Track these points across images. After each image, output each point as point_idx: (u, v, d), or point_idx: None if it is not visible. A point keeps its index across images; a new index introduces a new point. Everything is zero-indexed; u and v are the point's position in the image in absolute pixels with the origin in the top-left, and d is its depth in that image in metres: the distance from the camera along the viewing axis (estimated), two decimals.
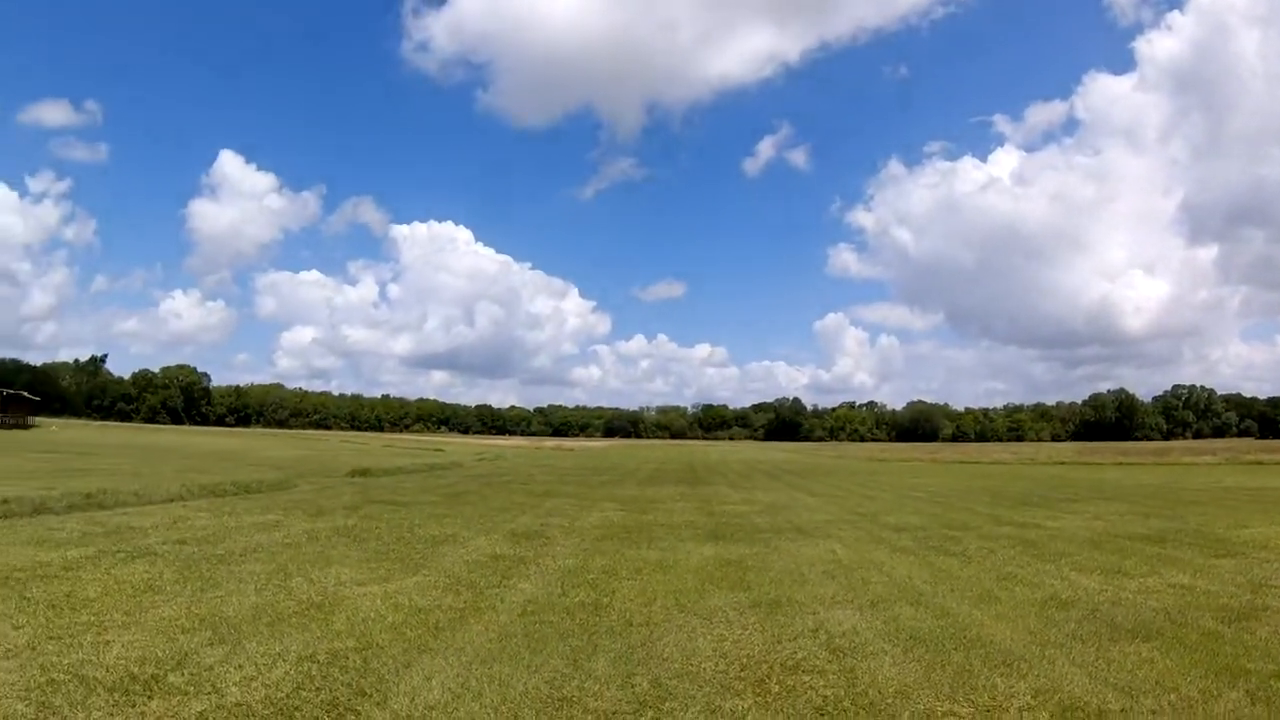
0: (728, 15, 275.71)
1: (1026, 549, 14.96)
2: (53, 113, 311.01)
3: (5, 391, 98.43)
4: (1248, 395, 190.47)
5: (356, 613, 8.91)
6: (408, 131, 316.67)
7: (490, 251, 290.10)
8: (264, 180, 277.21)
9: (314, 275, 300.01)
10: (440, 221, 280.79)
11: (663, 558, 13.36)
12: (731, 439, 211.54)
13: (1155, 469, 55.39)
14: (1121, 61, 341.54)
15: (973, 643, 8.09)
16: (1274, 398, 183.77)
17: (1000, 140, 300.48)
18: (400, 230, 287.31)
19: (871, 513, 22.12)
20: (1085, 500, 27.07)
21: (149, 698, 6.08)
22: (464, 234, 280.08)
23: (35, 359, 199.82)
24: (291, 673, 6.77)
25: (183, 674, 6.62)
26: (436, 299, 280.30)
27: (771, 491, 30.53)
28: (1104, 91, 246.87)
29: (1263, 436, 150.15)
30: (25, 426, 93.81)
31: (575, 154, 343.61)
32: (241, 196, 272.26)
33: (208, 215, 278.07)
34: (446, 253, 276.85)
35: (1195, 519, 20.52)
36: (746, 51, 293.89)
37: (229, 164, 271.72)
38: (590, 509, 21.73)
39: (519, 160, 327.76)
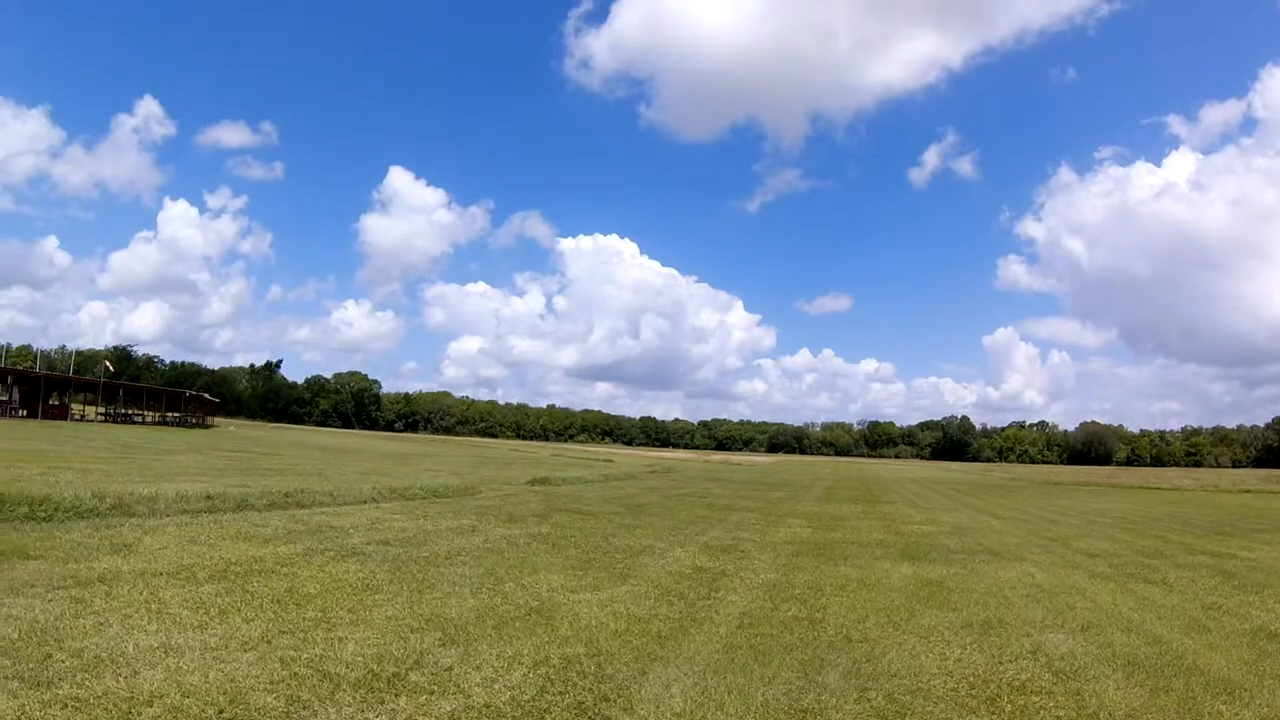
0: (887, 21, 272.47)
1: (1226, 579, 14.43)
2: (231, 134, 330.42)
3: (187, 392, 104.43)
4: None
5: (578, 619, 8.82)
6: (573, 147, 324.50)
7: (656, 264, 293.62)
8: (434, 195, 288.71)
9: (481, 287, 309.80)
10: (605, 235, 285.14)
11: (863, 575, 13.20)
12: (898, 457, 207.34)
13: None
14: None
15: (1190, 670, 7.92)
16: None
17: (1175, 143, 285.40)
18: (566, 244, 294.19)
19: (1061, 537, 21.28)
20: (1278, 531, 25.55)
21: (396, 695, 6.04)
22: (629, 247, 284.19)
23: (213, 364, 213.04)
24: (531, 676, 6.69)
25: (422, 673, 6.56)
26: (602, 311, 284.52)
27: (953, 512, 29.58)
28: None
29: None
30: (205, 426, 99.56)
31: (739, 166, 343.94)
32: (412, 211, 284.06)
33: (379, 229, 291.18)
34: (612, 265, 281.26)
35: None
36: (908, 58, 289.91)
37: (399, 180, 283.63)
38: (776, 525, 21.33)
39: (683, 173, 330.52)
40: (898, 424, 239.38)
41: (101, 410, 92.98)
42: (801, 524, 21.77)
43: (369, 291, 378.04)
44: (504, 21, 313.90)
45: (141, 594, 8.44)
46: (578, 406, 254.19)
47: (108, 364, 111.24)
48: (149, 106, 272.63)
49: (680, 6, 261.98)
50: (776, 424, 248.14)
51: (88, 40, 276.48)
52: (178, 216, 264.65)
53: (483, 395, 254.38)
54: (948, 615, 10.27)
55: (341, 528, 14.74)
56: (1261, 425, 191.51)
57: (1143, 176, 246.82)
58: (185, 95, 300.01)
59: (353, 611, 8.37)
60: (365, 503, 19.46)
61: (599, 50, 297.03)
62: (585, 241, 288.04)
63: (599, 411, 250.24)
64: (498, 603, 9.36)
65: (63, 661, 6.24)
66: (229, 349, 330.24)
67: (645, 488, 35.19)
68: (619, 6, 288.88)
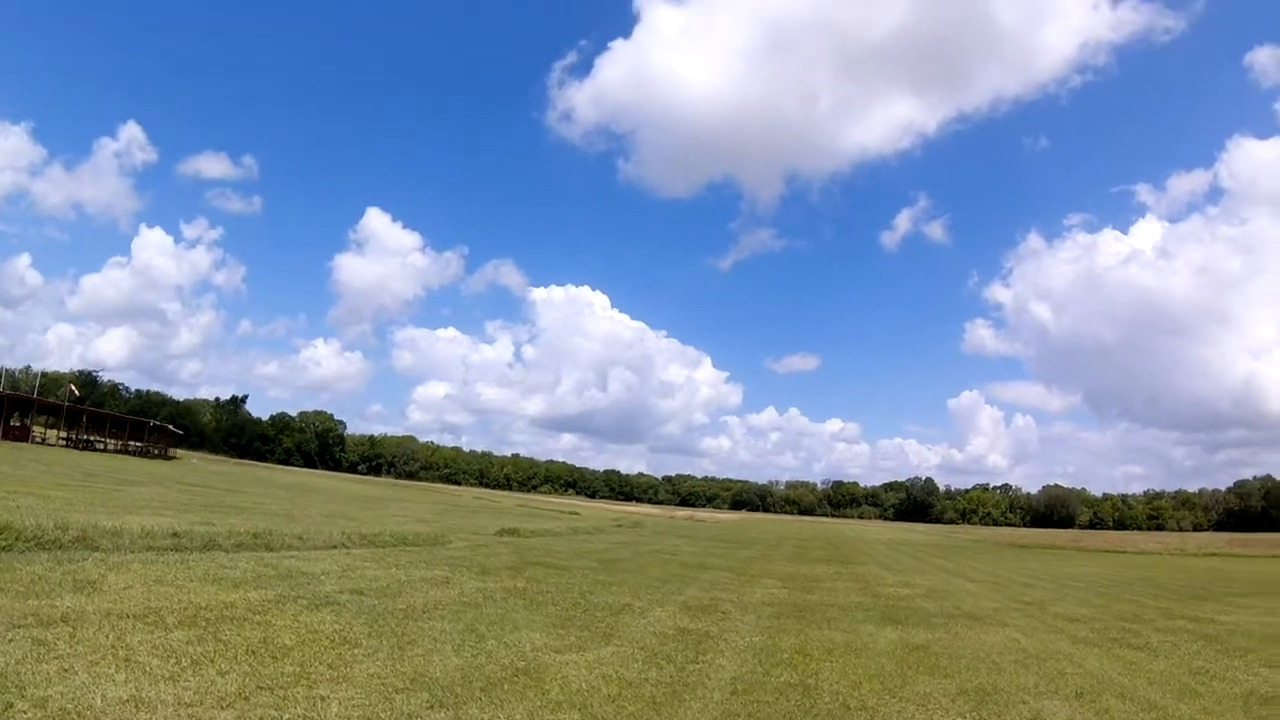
0: (866, 86, 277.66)
1: (1209, 644, 14.54)
2: (212, 165, 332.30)
3: (151, 422, 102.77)
4: None
5: (568, 682, 8.46)
6: (550, 198, 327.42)
7: (626, 318, 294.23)
8: (409, 239, 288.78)
9: (451, 333, 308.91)
10: (578, 286, 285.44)
11: (849, 639, 13.01)
12: (861, 517, 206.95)
13: None
14: (1266, 124, 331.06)
15: None
16: None
17: (1142, 211, 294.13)
18: (538, 293, 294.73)
19: (1037, 601, 21.25)
20: (1252, 595, 25.86)
21: None
22: (601, 299, 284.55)
23: (178, 394, 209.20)
24: None
25: None
26: (571, 362, 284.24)
27: (926, 575, 29.45)
28: (1249, 157, 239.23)
29: None
30: (167, 457, 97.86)
31: (715, 224, 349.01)
32: (386, 253, 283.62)
33: (353, 269, 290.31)
34: (583, 317, 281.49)
35: None
36: (885, 122, 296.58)
37: (376, 221, 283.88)
38: (752, 585, 20.99)
39: (658, 229, 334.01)
40: (861, 484, 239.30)
41: (63, 435, 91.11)
42: (777, 585, 21.44)
43: (339, 331, 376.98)
44: (489, 70, 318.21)
45: (108, 638, 7.94)
46: (542, 457, 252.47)
47: (73, 387, 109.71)
48: (132, 131, 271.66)
49: (664, 64, 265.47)
50: (740, 481, 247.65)
51: (76, 60, 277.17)
52: (153, 244, 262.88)
53: (447, 441, 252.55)
54: (941, 682, 10.13)
55: (312, 574, 14.20)
56: (1223, 489, 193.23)
57: (1110, 244, 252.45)
58: (169, 123, 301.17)
59: (332, 667, 7.92)
60: (335, 548, 18.90)
61: (581, 103, 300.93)
62: (557, 292, 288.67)
63: (563, 463, 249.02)
64: (482, 661, 8.94)
65: (25, 713, 5.78)
66: (195, 381, 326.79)
67: (615, 543, 34.66)
68: (603, 60, 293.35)
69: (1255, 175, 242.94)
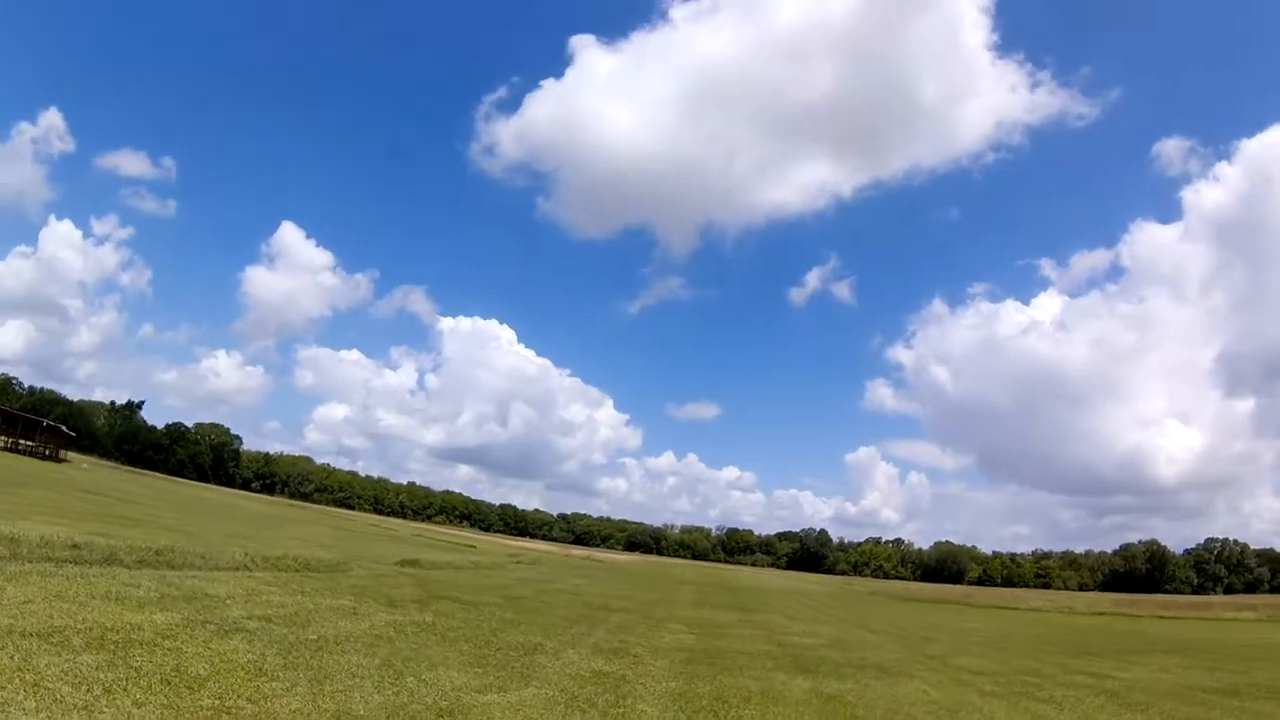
0: (787, 145, 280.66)
1: (1110, 699, 14.95)
2: (130, 162, 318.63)
3: (45, 421, 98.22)
4: None
5: None
6: (466, 229, 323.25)
7: (531, 354, 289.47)
8: (321, 257, 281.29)
9: (355, 355, 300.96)
10: (486, 319, 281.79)
11: (764, 688, 13.00)
12: (754, 565, 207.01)
13: (1199, 623, 53.51)
14: (1169, 211, 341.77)
15: None
16: None
17: (1045, 285, 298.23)
18: (446, 322, 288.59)
19: (939, 655, 21.50)
20: (1143, 652, 26.71)
21: None
22: (507, 333, 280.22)
23: (72, 394, 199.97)
24: None
25: None
26: (473, 394, 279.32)
27: (828, 625, 29.71)
28: (1150, 240, 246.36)
29: None
30: (58, 459, 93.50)
31: (627, 269, 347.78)
32: (298, 269, 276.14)
33: (262, 283, 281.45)
34: (488, 350, 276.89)
35: (1260, 674, 20.44)
36: (802, 182, 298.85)
37: (289, 236, 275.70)
38: (659, 629, 20.82)
39: (571, 269, 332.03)
40: (756, 532, 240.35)
41: None
42: (684, 630, 21.32)
43: (242, 344, 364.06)
44: (419, 97, 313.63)
45: (13, 659, 7.42)
46: (438, 487, 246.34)
47: None
48: (53, 119, 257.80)
49: (592, 107, 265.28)
50: (636, 523, 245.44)
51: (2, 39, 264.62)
52: (61, 236, 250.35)
53: (343, 464, 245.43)
54: None
55: (217, 596, 13.60)
56: (1109, 551, 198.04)
57: (1011, 313, 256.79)
58: (92, 115, 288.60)
59: (252, 701, 7.52)
60: (238, 569, 18.18)
61: (506, 138, 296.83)
62: (464, 322, 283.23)
63: (459, 494, 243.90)
64: (404, 700, 8.62)
65: None
66: (90, 382, 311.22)
67: (517, 579, 34.12)
68: (532, 98, 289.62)
69: (1155, 257, 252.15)
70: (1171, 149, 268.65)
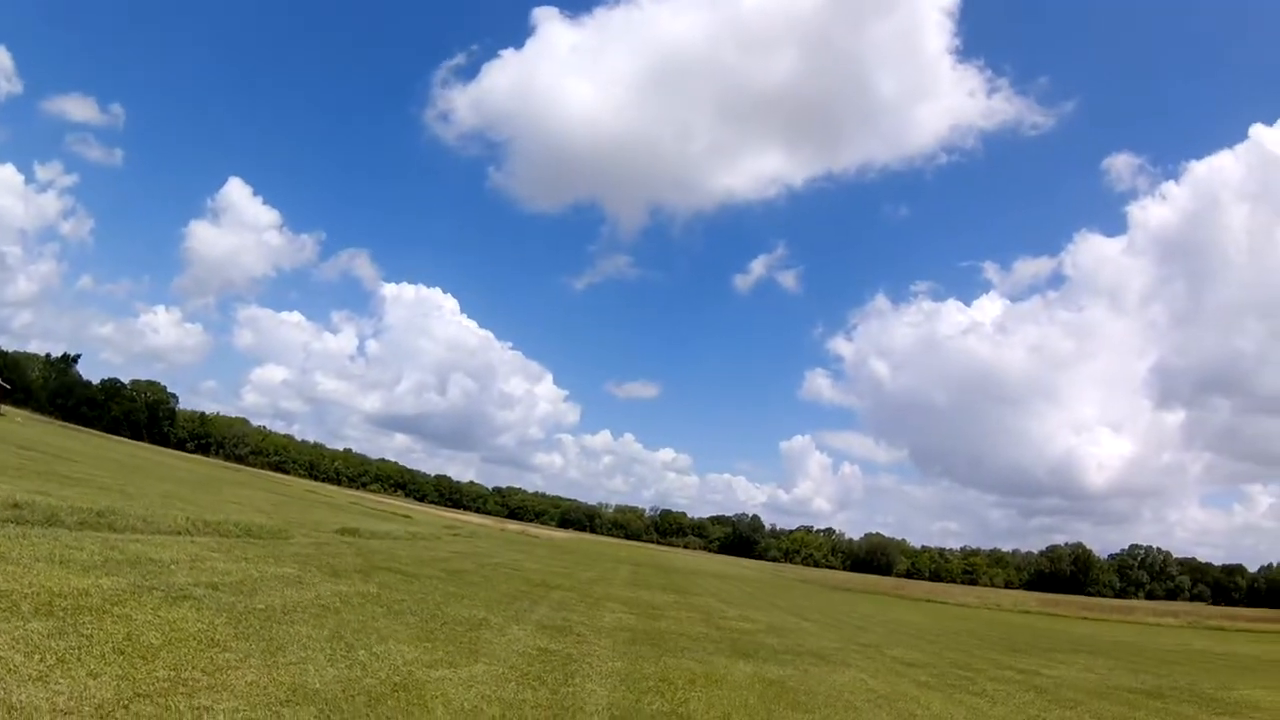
0: (742, 133, 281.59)
1: (1040, 695, 15.31)
2: (77, 107, 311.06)
3: None
4: (1202, 560, 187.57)
5: (449, 701, 8.24)
6: (415, 195, 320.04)
7: (473, 324, 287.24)
8: (267, 215, 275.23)
9: (296, 317, 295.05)
10: (429, 287, 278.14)
11: (707, 670, 13.11)
12: (687, 547, 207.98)
13: (1122, 626, 55.10)
14: (1114, 224, 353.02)
15: None
16: (1228, 565, 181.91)
17: (987, 287, 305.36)
18: (389, 288, 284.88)
19: (874, 644, 21.94)
20: (1069, 651, 27.34)
21: None
22: (450, 302, 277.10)
23: (6, 345, 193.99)
24: None
25: None
26: (413, 362, 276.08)
27: (763, 611, 30.02)
28: (1093, 251, 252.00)
29: (1215, 603, 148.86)
30: None
31: (575, 244, 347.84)
32: (243, 227, 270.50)
33: (206, 239, 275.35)
34: (430, 318, 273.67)
35: (1182, 678, 20.93)
36: (754, 170, 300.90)
37: (236, 192, 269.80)
38: (598, 608, 20.89)
39: (519, 241, 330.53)
40: (689, 515, 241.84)
41: None
42: (623, 610, 21.39)
43: (182, 300, 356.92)
44: (375, 59, 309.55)
45: None
46: (374, 455, 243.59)
47: None
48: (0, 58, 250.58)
49: (550, 81, 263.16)
50: (570, 500, 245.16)
51: None
52: (2, 181, 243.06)
53: (279, 427, 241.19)
54: (804, 717, 10.47)
55: (161, 561, 13.37)
56: (1035, 552, 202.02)
57: (952, 313, 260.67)
58: (41, 56, 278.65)
59: (207, 673, 7.40)
60: (180, 534, 17.89)
61: (462, 106, 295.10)
62: (408, 289, 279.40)
63: (395, 463, 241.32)
64: (358, 674, 8.56)
65: None
66: (26, 333, 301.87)
67: (456, 552, 33.96)
68: (491, 67, 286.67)
69: (1097, 269, 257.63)
70: (1121, 164, 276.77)
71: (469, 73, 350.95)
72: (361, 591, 15.07)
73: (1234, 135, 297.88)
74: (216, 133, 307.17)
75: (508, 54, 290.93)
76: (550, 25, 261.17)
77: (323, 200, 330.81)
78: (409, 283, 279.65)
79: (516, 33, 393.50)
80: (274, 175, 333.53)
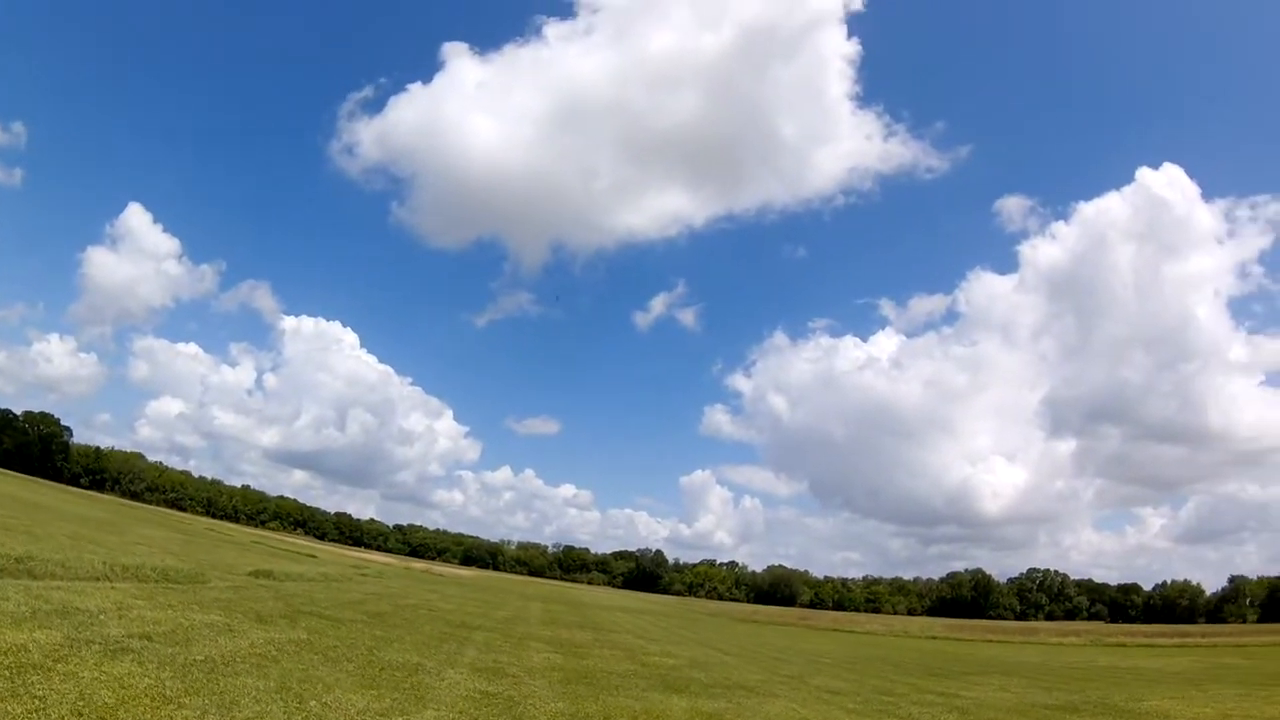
0: (645, 173, 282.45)
1: (963, 716, 15.66)
2: None
3: None
4: (1098, 581, 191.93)
5: None
6: (318, 227, 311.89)
7: (373, 359, 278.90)
8: (167, 244, 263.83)
9: (194, 349, 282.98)
10: (329, 320, 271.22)
11: (646, 707, 13.13)
12: (591, 583, 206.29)
13: (1027, 647, 56.05)
14: (1005, 263, 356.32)
15: None
16: (1124, 585, 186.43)
17: (883, 323, 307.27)
18: (289, 321, 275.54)
19: (796, 675, 22.06)
20: (982, 673, 27.82)
21: None
22: (350, 337, 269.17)
23: None
24: None
25: None
26: (312, 397, 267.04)
27: (682, 646, 29.83)
28: (986, 288, 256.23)
29: (1113, 621, 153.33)
30: None
31: (477, 281, 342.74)
32: (142, 255, 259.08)
33: (104, 265, 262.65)
34: (330, 353, 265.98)
35: (1093, 693, 21.54)
36: (656, 209, 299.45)
37: (136, 219, 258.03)
38: (523, 648, 20.65)
39: (421, 276, 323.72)
40: (592, 550, 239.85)
41: None
42: (548, 649, 21.15)
43: (76, 329, 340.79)
44: (282, 87, 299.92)
45: None
46: (272, 491, 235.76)
47: None
48: None
49: (456, 116, 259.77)
50: (472, 537, 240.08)
51: None
52: None
53: (175, 462, 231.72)
54: None
55: (89, 611, 12.81)
56: (936, 579, 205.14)
57: (850, 349, 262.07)
58: None
59: None
60: (99, 579, 17.20)
61: (367, 139, 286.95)
62: (308, 323, 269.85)
63: (294, 500, 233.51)
64: None
65: None
66: None
67: (371, 593, 33.14)
68: (397, 101, 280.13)
69: (989, 306, 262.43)
70: (1013, 206, 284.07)
71: (375, 106, 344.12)
72: (293, 639, 14.62)
73: (1121, 178, 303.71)
74: (118, 156, 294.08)
75: (415, 88, 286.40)
76: (459, 61, 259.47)
77: (224, 230, 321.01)
78: (309, 315, 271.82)
79: (425, 67, 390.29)
80: (175, 202, 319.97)
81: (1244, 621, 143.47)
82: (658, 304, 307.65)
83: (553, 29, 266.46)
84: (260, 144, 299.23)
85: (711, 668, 21.44)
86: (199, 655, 10.98)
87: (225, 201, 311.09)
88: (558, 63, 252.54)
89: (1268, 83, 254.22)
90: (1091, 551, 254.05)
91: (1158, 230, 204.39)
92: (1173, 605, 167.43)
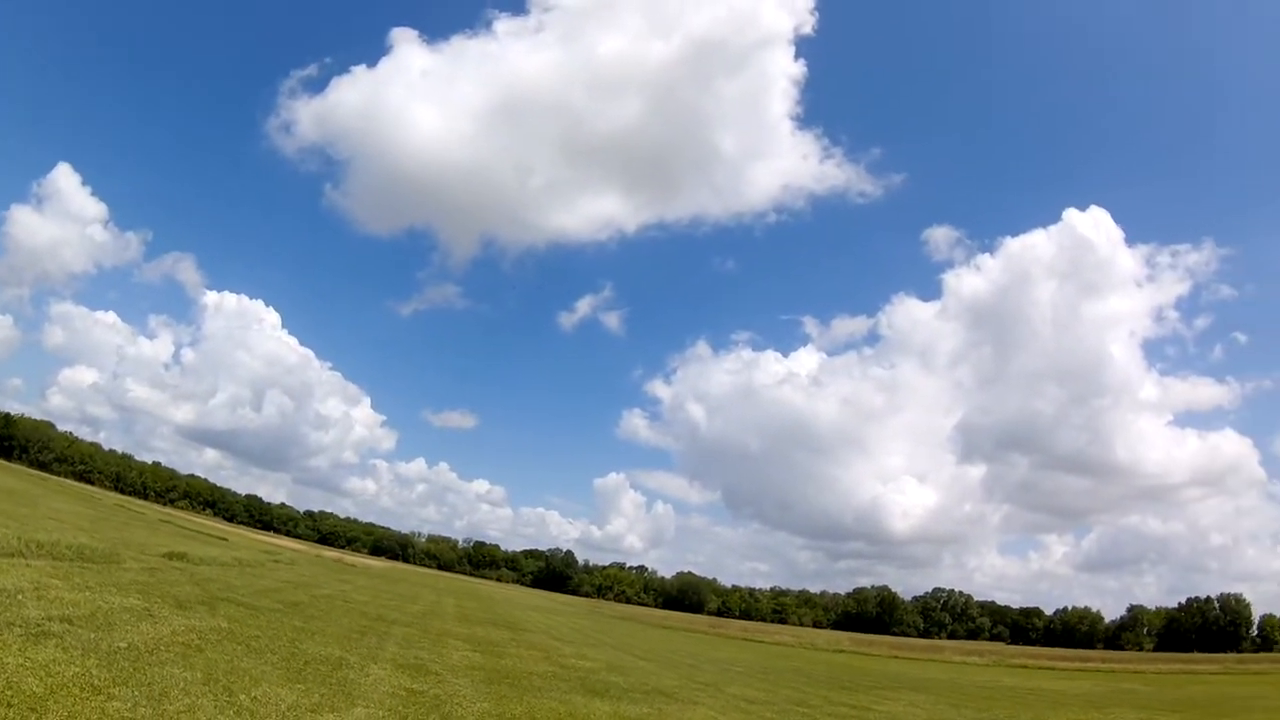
0: (582, 174, 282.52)
1: None
2: None
3: None
4: (1000, 603, 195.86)
5: None
6: (249, 204, 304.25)
7: (294, 341, 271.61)
8: (95, 208, 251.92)
9: (111, 318, 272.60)
10: (252, 299, 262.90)
11: (569, 710, 13.14)
12: (500, 580, 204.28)
13: (932, 665, 56.59)
14: (929, 290, 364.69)
15: None
16: (1025, 608, 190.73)
17: (805, 340, 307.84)
18: (211, 296, 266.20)
19: (712, 683, 22.08)
20: (892, 689, 28.13)
21: None
22: (272, 316, 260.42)
23: None
24: None
25: None
26: (229, 375, 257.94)
27: (596, 648, 29.76)
28: (908, 314, 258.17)
29: (1014, 642, 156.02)
30: None
31: (405, 270, 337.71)
32: (67, 217, 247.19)
33: (27, 225, 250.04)
34: (251, 331, 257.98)
35: (1001, 711, 22.17)
36: (589, 212, 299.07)
37: (64, 180, 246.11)
38: (442, 644, 20.39)
39: (348, 261, 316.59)
40: (502, 547, 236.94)
41: None
42: (466, 647, 20.88)
43: None
44: (225, 57, 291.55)
45: None
46: (183, 469, 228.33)
47: None
48: None
49: (398, 103, 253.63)
50: (383, 527, 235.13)
51: None
52: None
53: (85, 434, 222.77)
54: None
55: (7, 590, 12.27)
56: (842, 593, 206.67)
57: (770, 363, 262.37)
58: None
59: None
60: (14, 555, 16.51)
61: (305, 118, 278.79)
62: (230, 299, 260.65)
63: (204, 480, 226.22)
64: None
65: None
66: None
67: (285, 582, 32.39)
68: (340, 82, 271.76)
69: (910, 330, 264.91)
70: (941, 236, 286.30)
71: (318, 85, 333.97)
72: (214, 627, 14.17)
73: (1048, 217, 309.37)
74: (51, 113, 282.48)
75: (359, 71, 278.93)
76: (406, 47, 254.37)
77: (154, 198, 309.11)
78: (232, 292, 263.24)
79: (372, 50, 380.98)
80: (107, 166, 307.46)
81: (1141, 649, 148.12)
82: (584, 305, 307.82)
83: (503, 24, 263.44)
84: (199, 114, 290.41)
85: (629, 672, 21.42)
86: (122, 642, 10.55)
87: (158, 169, 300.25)
88: (505, 58, 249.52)
89: (1195, 137, 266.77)
90: (995, 574, 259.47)
91: (1080, 270, 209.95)
92: (1072, 630, 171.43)
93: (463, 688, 13.45)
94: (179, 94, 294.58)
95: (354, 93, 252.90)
